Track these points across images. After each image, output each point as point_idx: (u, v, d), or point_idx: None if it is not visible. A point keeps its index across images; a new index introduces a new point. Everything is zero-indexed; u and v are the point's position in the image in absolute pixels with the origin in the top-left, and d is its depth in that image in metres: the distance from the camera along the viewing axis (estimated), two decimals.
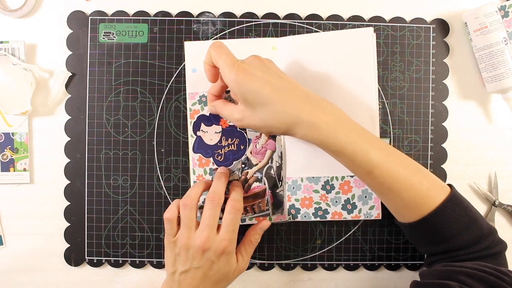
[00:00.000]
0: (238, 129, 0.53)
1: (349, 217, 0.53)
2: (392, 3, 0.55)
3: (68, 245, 0.54)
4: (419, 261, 0.55)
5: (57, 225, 0.54)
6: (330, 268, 0.55)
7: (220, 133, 0.53)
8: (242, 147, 0.53)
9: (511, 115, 0.56)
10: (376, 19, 0.55)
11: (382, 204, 0.52)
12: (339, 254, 0.55)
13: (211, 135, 0.53)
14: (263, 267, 0.55)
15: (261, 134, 0.53)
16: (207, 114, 0.53)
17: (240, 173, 0.53)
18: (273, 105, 0.42)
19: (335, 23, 0.54)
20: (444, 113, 0.55)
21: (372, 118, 0.52)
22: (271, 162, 0.53)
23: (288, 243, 0.55)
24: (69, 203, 0.54)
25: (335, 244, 0.55)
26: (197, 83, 0.53)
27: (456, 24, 0.55)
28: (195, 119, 0.53)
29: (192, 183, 0.53)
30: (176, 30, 0.54)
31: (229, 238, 0.46)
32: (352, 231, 0.55)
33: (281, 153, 0.53)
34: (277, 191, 0.53)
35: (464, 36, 0.55)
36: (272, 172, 0.53)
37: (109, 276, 0.55)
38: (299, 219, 0.53)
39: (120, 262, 0.54)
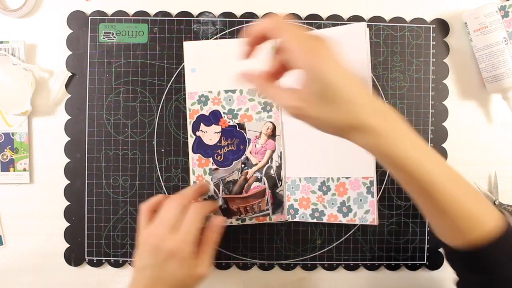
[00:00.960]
0: (237, 129, 0.53)
1: (344, 221, 0.52)
2: (392, 3, 0.55)
3: (68, 245, 0.54)
4: (419, 261, 0.55)
5: (57, 225, 0.54)
6: (330, 268, 0.55)
7: (220, 133, 0.53)
8: (241, 147, 0.53)
9: (511, 115, 0.55)
10: (376, 19, 0.55)
11: (377, 208, 0.52)
12: (339, 254, 0.55)
13: (210, 135, 0.53)
14: (263, 267, 0.55)
15: (260, 134, 0.53)
16: (207, 114, 0.53)
17: (240, 173, 0.53)
18: (344, 105, 0.36)
19: (335, 23, 0.54)
20: (444, 113, 0.55)
21: None
22: (271, 162, 0.53)
23: (288, 243, 0.55)
24: (69, 203, 0.54)
25: (335, 244, 0.55)
26: (196, 83, 0.53)
27: (456, 24, 0.55)
28: (194, 119, 0.53)
29: (191, 184, 0.53)
30: (176, 30, 0.54)
31: (182, 239, 0.43)
32: (352, 231, 0.55)
33: (281, 152, 0.53)
34: (277, 190, 0.53)
35: (464, 36, 0.55)
36: (272, 172, 0.53)
37: (109, 276, 0.55)
38: (297, 219, 0.53)
39: (120, 262, 0.54)
